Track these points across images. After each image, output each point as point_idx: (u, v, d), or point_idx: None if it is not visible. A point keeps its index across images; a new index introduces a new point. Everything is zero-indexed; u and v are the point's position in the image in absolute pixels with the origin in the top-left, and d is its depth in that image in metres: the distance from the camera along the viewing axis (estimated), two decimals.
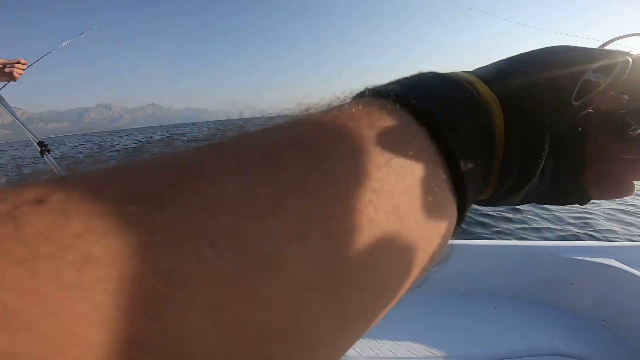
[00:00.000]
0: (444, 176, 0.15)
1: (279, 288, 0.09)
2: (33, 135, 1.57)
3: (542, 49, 0.20)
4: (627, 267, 0.94)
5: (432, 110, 0.15)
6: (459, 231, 0.17)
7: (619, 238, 2.89)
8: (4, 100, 1.51)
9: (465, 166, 0.15)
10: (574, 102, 0.18)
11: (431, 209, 0.14)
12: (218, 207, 0.09)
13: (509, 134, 0.17)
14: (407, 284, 0.14)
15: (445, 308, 1.01)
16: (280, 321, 0.09)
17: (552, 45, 0.20)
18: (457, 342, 0.88)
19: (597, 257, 1.00)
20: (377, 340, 0.89)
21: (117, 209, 0.08)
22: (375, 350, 0.86)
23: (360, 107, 0.15)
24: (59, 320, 0.07)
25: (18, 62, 1.36)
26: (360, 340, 0.89)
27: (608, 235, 2.96)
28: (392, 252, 0.13)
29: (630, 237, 2.94)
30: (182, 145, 0.11)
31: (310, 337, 0.11)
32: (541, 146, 0.18)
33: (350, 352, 0.85)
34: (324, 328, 0.11)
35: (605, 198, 0.23)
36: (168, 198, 0.09)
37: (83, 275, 0.07)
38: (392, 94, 0.15)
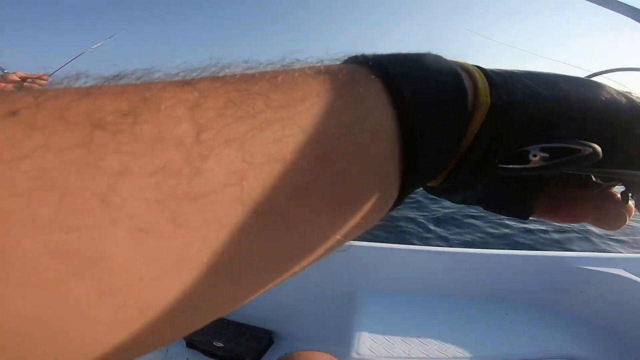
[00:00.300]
0: (397, 156, 0.15)
1: (210, 222, 0.10)
2: None
3: (565, 83, 0.18)
4: (636, 277, 0.97)
5: (405, 90, 0.14)
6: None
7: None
8: None
9: (422, 154, 0.15)
10: (496, 164, 0.18)
11: (374, 183, 0.14)
12: (165, 141, 0.09)
13: (477, 138, 0.17)
14: (335, 244, 0.14)
15: (457, 312, 1.04)
16: (210, 255, 0.10)
17: (585, 79, 0.19)
18: (468, 345, 0.91)
19: (607, 267, 1.02)
20: (389, 340, 0.93)
21: (76, 129, 0.08)
22: (389, 350, 0.89)
23: (339, 70, 0.14)
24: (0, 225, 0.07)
25: (39, 78, 1.27)
26: (373, 340, 0.92)
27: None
28: (329, 210, 0.13)
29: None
30: (159, 77, 0.12)
31: (240, 273, 0.11)
32: (489, 169, 0.18)
33: (364, 350, 0.88)
34: (251, 266, 0.11)
35: (552, 221, 0.22)
36: (127, 125, 0.09)
37: (34, 182, 0.07)
38: (377, 65, 0.15)
